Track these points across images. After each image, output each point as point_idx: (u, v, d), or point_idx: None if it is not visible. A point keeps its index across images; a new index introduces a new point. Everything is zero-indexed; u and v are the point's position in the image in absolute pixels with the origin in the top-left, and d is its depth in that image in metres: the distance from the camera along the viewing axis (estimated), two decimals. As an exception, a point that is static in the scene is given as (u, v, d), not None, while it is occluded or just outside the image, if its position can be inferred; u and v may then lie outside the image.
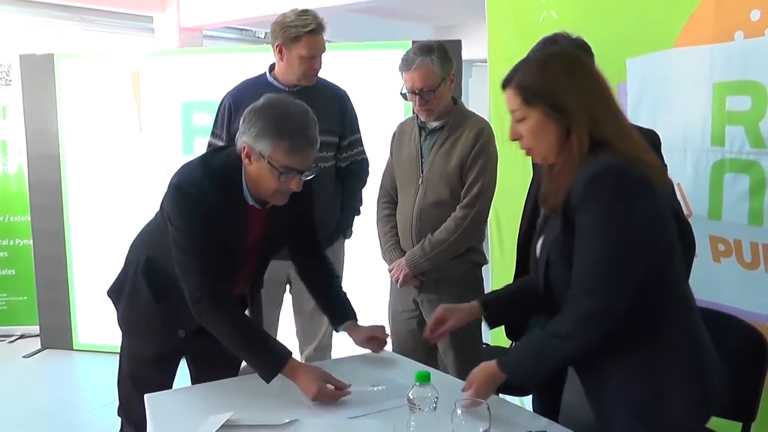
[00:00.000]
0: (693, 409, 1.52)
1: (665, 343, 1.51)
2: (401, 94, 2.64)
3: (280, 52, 2.75)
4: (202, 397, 2.00)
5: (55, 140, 4.77)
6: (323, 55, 2.77)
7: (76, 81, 4.69)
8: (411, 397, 1.65)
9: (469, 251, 2.68)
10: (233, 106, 2.81)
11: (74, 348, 4.93)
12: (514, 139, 1.62)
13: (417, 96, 2.58)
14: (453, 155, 2.60)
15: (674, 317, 1.53)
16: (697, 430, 1.59)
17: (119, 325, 2.30)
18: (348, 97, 2.97)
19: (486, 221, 2.74)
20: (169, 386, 2.25)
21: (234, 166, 1.97)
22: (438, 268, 2.64)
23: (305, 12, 2.72)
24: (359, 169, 3.03)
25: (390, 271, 2.76)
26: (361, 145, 3.02)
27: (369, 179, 3.08)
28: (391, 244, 2.78)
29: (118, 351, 2.33)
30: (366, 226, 3.02)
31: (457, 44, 3.84)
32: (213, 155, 2.11)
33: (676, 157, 2.45)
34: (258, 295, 2.40)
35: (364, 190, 3.08)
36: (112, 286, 2.30)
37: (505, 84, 1.62)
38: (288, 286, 3.03)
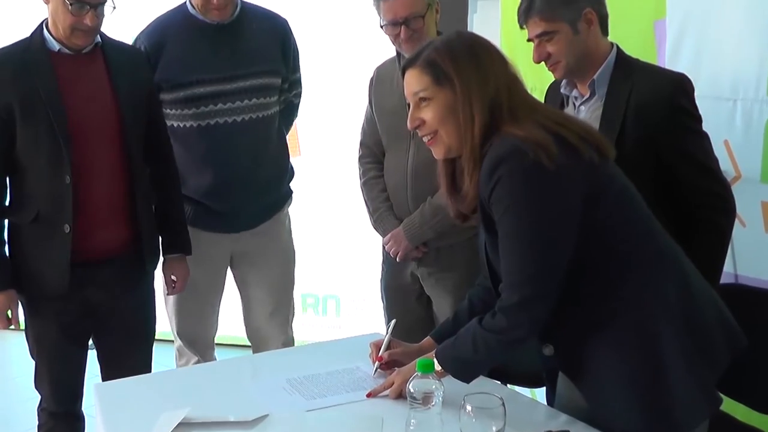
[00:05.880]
0: (696, 373, 1.48)
1: (647, 310, 1.48)
2: (381, 26, 2.27)
3: None
4: (157, 388, 1.82)
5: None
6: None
7: (7, 18, 4.06)
8: (411, 390, 1.39)
9: None
10: (150, 50, 2.38)
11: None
12: None
13: (401, 27, 2.22)
14: None
15: (650, 281, 1.50)
16: (708, 392, 1.52)
17: None
18: (289, 27, 2.57)
19: None
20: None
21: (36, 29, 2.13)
22: (441, 235, 2.30)
23: None
24: (291, 110, 2.68)
25: (386, 245, 2.42)
26: (300, 86, 2.66)
27: (340, 133, 2.83)
28: (383, 211, 2.43)
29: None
30: (350, 189, 2.67)
31: (460, -25, 3.50)
32: None
33: (723, 108, 2.16)
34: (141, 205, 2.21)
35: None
36: None
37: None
38: (229, 266, 2.64)
